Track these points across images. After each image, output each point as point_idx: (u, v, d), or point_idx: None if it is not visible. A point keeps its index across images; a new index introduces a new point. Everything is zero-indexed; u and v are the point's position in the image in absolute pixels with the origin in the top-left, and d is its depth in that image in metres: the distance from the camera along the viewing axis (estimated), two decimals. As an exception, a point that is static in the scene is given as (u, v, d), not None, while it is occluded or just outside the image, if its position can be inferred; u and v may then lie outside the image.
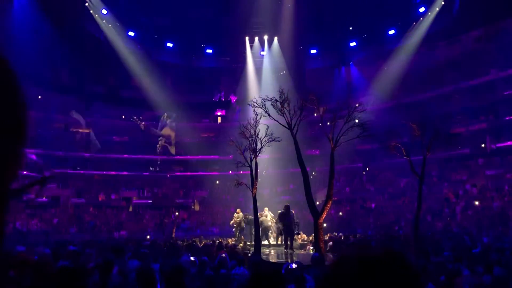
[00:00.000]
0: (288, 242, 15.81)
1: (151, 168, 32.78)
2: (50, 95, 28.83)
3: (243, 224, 18.93)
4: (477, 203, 23.51)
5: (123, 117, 34.32)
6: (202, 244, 15.67)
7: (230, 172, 26.69)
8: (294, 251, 15.61)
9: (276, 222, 17.85)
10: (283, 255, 15.01)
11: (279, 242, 17.72)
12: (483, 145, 25.98)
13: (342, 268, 1.04)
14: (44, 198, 27.63)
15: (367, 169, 30.60)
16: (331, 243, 16.31)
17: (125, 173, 31.58)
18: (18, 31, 24.95)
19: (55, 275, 3.57)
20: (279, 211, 16.47)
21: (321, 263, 8.09)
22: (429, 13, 28.48)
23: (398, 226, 23.23)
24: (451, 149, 25.20)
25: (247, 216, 18.49)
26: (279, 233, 17.51)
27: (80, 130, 32.00)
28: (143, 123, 33.18)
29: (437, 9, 28.00)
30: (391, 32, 31.03)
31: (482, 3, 24.73)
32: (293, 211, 16.53)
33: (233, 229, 19.36)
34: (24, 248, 9.92)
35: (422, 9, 29.06)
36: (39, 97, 29.32)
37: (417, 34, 28.98)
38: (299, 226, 17.05)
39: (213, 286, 5.78)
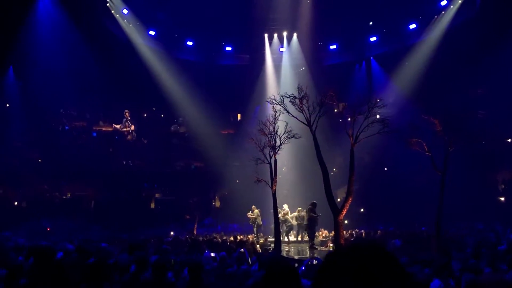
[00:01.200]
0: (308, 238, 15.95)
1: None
2: (72, 94, 29.35)
3: (259, 221, 19.02)
4: (502, 199, 23.04)
5: (145, 115, 34.79)
6: (219, 241, 15.83)
7: (250, 168, 26.74)
8: (316, 248, 15.69)
9: (296, 219, 17.91)
10: (303, 252, 15.06)
11: (299, 239, 17.74)
12: (509, 140, 25.43)
13: (333, 262, 1.12)
14: (68, 195, 28.28)
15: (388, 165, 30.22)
16: (352, 240, 16.26)
17: (148, 170, 31.94)
18: (43, 32, 25.54)
19: (84, 270, 3.70)
20: (308, 207, 16.45)
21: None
22: (451, 6, 27.89)
23: (420, 222, 22.95)
24: (474, 144, 24.72)
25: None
26: (302, 230, 17.56)
27: (103, 129, 32.64)
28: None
29: (460, 2, 27.38)
30: (412, 26, 30.47)
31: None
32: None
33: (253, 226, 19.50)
34: (49, 244, 10.20)
35: (444, 3, 28.42)
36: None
37: (438, 28, 28.40)
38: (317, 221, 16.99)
39: (233, 282, 5.85)
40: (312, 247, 15.59)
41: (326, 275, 1.10)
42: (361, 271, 1.03)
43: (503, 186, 25.18)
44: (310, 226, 16.11)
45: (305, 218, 16.30)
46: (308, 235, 16.45)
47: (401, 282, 1.06)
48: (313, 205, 16.26)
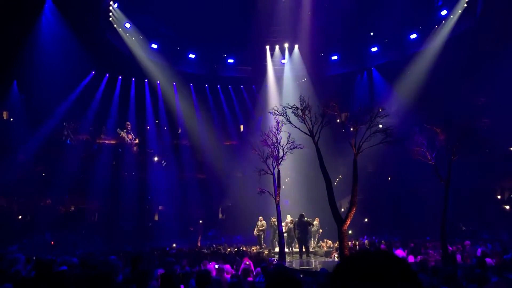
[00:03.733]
0: (303, 249, 16.03)
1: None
2: (75, 107, 29.51)
3: (263, 232, 19.09)
4: (507, 207, 22.93)
5: (148, 127, 34.88)
6: (226, 252, 15.79)
7: (253, 179, 26.74)
8: (309, 258, 15.81)
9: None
10: (307, 263, 15.00)
11: (303, 250, 17.73)
12: (511, 149, 25.36)
13: (340, 272, 1.15)
14: (72, 208, 28.29)
15: (391, 175, 30.17)
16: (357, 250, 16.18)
17: (151, 182, 31.87)
18: (46, 46, 25.75)
19: (87, 284, 3.70)
20: (308, 219, 16.66)
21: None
22: (452, 16, 28.02)
23: (425, 231, 22.84)
24: (477, 152, 24.65)
25: (273, 222, 18.52)
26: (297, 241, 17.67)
27: (106, 142, 32.73)
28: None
29: (460, 11, 27.51)
30: (413, 36, 30.63)
31: (507, 4, 24.21)
32: (308, 218, 16.73)
33: (257, 237, 19.46)
34: (54, 257, 10.19)
35: (444, 12, 28.59)
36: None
37: (439, 37, 28.51)
38: (318, 234, 17.26)
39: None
40: (304, 256, 15.94)
41: (338, 283, 1.12)
42: (373, 278, 1.05)
43: (505, 195, 25.05)
44: (299, 237, 16.47)
45: (296, 231, 16.58)
46: (298, 246, 16.80)
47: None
48: (300, 216, 16.64)
